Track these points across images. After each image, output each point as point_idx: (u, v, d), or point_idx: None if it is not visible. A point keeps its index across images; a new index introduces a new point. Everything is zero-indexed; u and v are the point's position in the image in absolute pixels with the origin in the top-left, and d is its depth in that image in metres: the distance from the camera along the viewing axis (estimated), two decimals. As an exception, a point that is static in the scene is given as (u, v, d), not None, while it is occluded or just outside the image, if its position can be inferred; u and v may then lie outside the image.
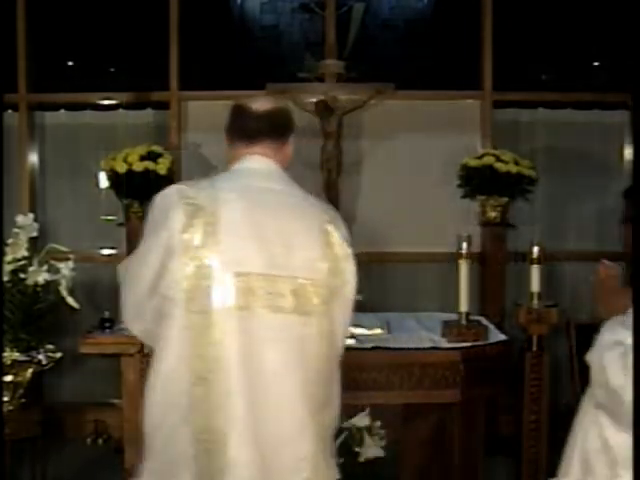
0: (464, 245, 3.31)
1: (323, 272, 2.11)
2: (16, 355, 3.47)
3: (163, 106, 5.13)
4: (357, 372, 3.18)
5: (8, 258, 3.52)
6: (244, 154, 2.15)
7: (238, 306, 2.00)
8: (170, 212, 2.02)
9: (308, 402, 2.05)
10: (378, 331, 3.44)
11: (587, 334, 4.65)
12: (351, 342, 3.26)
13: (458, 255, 3.33)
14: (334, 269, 2.15)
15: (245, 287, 2.01)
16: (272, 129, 2.15)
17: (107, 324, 3.95)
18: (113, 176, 4.57)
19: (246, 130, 2.14)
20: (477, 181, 4.66)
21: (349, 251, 2.23)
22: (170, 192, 2.08)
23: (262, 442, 2.00)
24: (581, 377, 4.39)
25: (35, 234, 3.68)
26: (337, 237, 2.18)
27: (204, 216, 2.01)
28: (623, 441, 1.93)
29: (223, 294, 2.00)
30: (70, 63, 5.37)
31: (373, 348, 3.24)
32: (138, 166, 4.51)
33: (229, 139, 2.18)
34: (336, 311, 2.18)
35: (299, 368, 2.04)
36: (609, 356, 2.03)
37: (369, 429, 3.23)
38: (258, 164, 2.15)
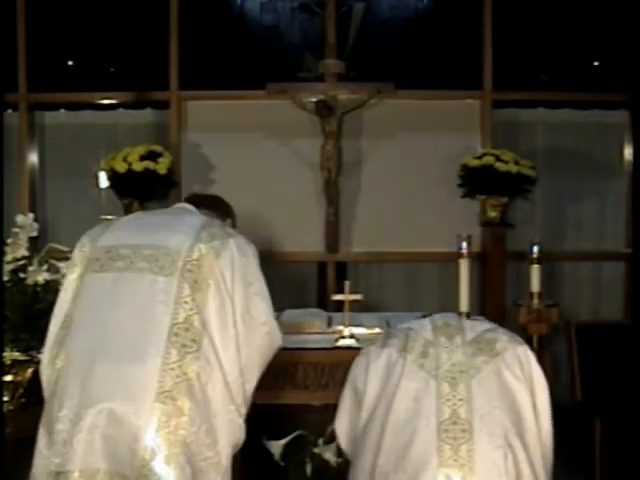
0: (464, 245, 3.30)
1: (180, 246, 2.30)
2: (16, 355, 3.47)
3: (163, 106, 5.13)
4: (357, 372, 3.18)
5: (8, 258, 3.52)
6: None
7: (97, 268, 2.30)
8: None
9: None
10: (378, 331, 3.44)
11: (587, 334, 4.68)
12: (351, 342, 3.26)
13: (458, 255, 3.33)
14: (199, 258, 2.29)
15: (111, 254, 2.31)
16: (199, 202, 2.64)
17: (107, 324, 3.94)
18: (113, 176, 4.57)
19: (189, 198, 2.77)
20: (477, 181, 4.66)
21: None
22: None
23: None
24: (581, 377, 4.40)
25: (35, 234, 3.68)
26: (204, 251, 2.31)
27: (109, 226, 2.47)
28: None
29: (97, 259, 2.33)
30: (70, 63, 5.37)
31: (373, 348, 3.23)
32: (138, 166, 4.51)
33: None
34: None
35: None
36: None
37: (369, 429, 3.22)
38: (177, 204, 2.68)
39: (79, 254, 2.39)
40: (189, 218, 2.43)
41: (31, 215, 3.81)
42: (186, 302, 2.21)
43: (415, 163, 5.00)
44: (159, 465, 2.06)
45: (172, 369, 2.13)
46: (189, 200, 2.69)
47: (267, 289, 2.41)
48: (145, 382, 2.11)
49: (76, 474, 2.08)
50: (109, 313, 2.21)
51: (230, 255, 2.31)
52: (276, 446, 3.24)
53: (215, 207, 2.70)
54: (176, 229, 2.35)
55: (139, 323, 2.18)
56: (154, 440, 2.07)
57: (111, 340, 2.17)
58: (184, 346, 2.15)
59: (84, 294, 2.28)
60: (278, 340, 2.52)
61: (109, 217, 4.79)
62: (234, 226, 2.79)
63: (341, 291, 3.39)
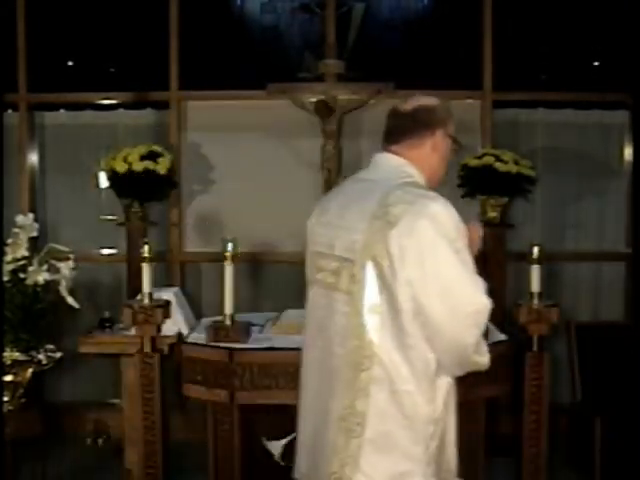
0: (464, 245, 3.30)
1: (359, 252, 2.18)
2: (16, 355, 3.48)
3: (163, 106, 5.13)
4: (357, 372, 3.18)
5: (8, 258, 3.52)
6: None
7: (312, 280, 2.35)
8: None
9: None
10: (378, 331, 3.43)
11: (587, 334, 4.69)
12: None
13: (458, 255, 3.32)
14: (375, 250, 2.15)
15: (316, 265, 2.32)
16: (400, 129, 2.32)
17: (107, 324, 3.95)
18: (113, 176, 4.57)
19: (385, 131, 2.38)
20: (477, 181, 4.65)
21: (395, 235, 2.11)
22: None
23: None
24: (581, 377, 4.40)
25: (35, 234, 3.68)
26: (387, 220, 2.14)
27: (319, 204, 2.43)
28: None
29: (310, 270, 2.38)
30: (70, 63, 5.37)
31: (373, 348, 3.23)
32: (138, 166, 4.50)
33: None
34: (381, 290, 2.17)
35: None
36: None
37: (369, 429, 3.22)
38: (375, 159, 2.37)
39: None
40: (366, 206, 2.20)
41: (31, 215, 3.81)
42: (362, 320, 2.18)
43: (415, 163, 4.99)
44: None
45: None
46: (390, 133, 2.34)
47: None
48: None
49: None
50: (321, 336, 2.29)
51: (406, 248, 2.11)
52: (276, 446, 3.24)
53: (413, 131, 2.31)
54: (356, 236, 2.20)
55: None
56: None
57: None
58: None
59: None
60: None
61: (110, 217, 4.83)
62: (445, 127, 2.38)
63: (341, 291, 3.38)
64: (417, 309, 2.10)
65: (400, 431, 2.13)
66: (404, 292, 2.10)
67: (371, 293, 2.14)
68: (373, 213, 2.15)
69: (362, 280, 2.16)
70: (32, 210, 4.66)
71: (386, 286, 2.12)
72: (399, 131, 2.32)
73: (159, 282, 3.93)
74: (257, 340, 3.40)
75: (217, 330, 3.35)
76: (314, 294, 2.33)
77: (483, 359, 2.22)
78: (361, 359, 2.14)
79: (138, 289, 3.53)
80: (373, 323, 2.14)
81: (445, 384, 2.19)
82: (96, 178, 4.75)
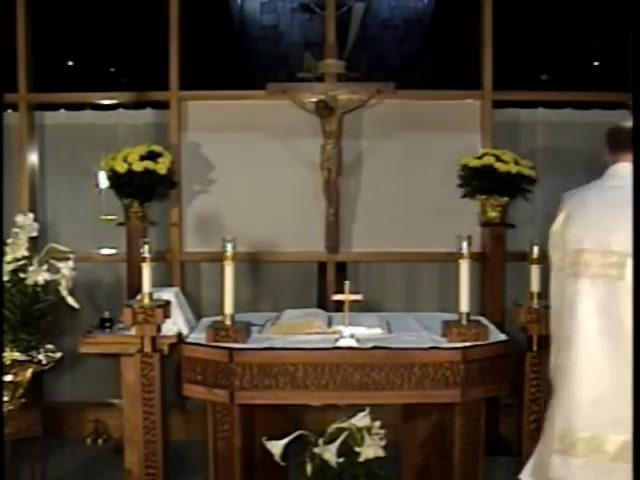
0: (464, 245, 3.31)
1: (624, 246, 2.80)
2: (16, 355, 3.49)
3: (163, 106, 5.13)
4: (357, 372, 3.19)
5: (8, 258, 3.53)
6: (612, 162, 3.06)
7: (572, 273, 2.96)
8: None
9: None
10: (378, 331, 3.44)
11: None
12: (351, 342, 3.27)
13: (458, 255, 3.34)
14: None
15: (582, 261, 2.91)
16: (628, 142, 2.93)
17: (107, 324, 3.96)
18: (113, 176, 4.57)
19: (614, 144, 3.05)
20: (477, 181, 4.65)
21: None
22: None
23: None
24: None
25: (35, 234, 3.70)
26: None
27: (565, 209, 3.09)
28: None
29: (571, 266, 3.00)
30: (70, 63, 5.37)
31: (373, 348, 3.24)
32: (138, 166, 4.50)
33: (608, 148, 3.10)
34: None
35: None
36: None
37: (369, 429, 3.23)
38: (614, 169, 3.03)
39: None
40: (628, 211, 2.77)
41: (31, 215, 3.82)
42: None
43: (415, 163, 5.00)
44: None
45: None
46: (619, 146, 2.98)
47: None
48: None
49: None
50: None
51: None
52: (276, 446, 3.24)
53: (624, 145, 2.98)
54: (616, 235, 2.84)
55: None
56: None
57: None
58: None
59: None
60: None
61: (110, 217, 4.83)
62: None
63: (341, 291, 3.39)
64: None
65: None
66: None
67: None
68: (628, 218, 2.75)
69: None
70: (32, 210, 4.66)
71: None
72: (628, 144, 2.94)
73: (159, 282, 3.93)
74: (257, 340, 3.40)
75: (217, 330, 3.35)
76: (583, 286, 2.91)
77: None
78: None
79: (138, 289, 3.54)
80: None
81: None
82: (96, 178, 4.75)
